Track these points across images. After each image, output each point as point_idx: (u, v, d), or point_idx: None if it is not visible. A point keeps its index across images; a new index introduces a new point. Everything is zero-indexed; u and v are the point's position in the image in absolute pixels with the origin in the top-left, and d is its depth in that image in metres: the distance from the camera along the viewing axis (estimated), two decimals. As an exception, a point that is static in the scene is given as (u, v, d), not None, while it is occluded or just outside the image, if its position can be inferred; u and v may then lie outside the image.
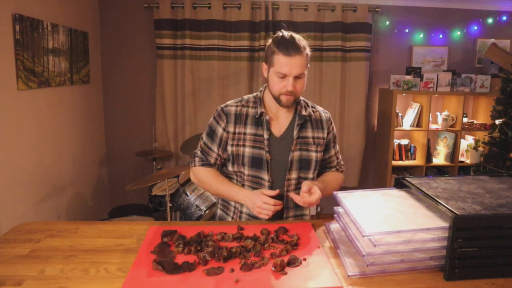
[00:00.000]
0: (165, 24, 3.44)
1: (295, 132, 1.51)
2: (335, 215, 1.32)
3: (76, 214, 3.09)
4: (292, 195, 1.40)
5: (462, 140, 3.72)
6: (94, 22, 3.44)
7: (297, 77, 1.42)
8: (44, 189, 2.61)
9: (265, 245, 1.20)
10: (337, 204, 1.32)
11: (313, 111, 1.59)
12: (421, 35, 3.76)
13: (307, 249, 1.19)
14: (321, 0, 3.55)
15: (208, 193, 2.77)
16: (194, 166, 1.59)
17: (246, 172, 1.49)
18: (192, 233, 1.26)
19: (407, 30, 3.75)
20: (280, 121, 1.53)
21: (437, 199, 1.15)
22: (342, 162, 1.71)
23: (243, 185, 1.52)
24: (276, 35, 1.47)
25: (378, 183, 3.84)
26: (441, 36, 3.78)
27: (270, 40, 1.49)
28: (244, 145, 1.49)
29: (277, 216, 1.48)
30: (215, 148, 1.54)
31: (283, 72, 1.40)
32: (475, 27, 3.79)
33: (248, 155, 1.48)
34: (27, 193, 2.42)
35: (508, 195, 1.20)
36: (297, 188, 1.51)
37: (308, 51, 1.45)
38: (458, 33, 3.78)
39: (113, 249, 1.20)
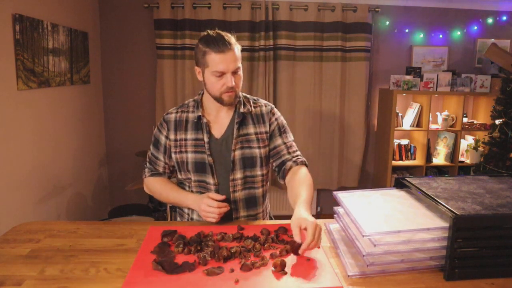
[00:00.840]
0: (165, 24, 3.44)
1: (235, 131, 1.48)
2: (335, 215, 1.33)
3: (76, 214, 3.09)
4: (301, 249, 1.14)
5: (462, 140, 3.72)
6: (94, 22, 3.44)
7: (234, 73, 1.41)
8: (44, 189, 2.61)
9: (265, 245, 1.20)
10: (337, 204, 1.32)
11: (254, 107, 1.55)
12: (421, 35, 3.76)
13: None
14: (321, 0, 3.55)
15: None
16: (145, 177, 1.61)
17: (193, 177, 1.49)
18: (192, 233, 1.26)
19: (407, 30, 3.75)
20: (221, 122, 1.50)
21: (437, 199, 1.15)
22: (298, 153, 1.54)
23: (192, 191, 1.52)
24: (202, 35, 1.44)
25: (378, 183, 3.84)
26: (441, 36, 3.78)
27: (196, 42, 1.44)
28: (186, 151, 1.48)
29: (226, 217, 1.45)
30: (161, 156, 1.55)
31: (220, 69, 1.38)
32: (475, 27, 3.79)
33: (191, 160, 1.47)
34: (27, 193, 2.42)
35: (508, 195, 1.20)
36: (245, 188, 1.49)
37: (238, 45, 1.44)
38: (458, 33, 3.78)
39: (113, 249, 1.20)
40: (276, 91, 3.64)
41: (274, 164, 1.55)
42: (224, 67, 1.38)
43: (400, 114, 3.70)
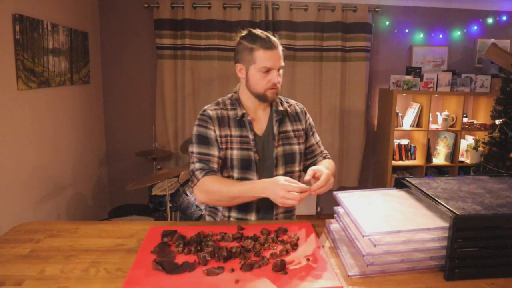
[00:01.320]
0: (165, 24, 3.44)
1: (275, 128, 1.52)
2: (335, 215, 1.32)
3: (76, 214, 3.09)
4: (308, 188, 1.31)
5: (462, 140, 3.72)
6: (94, 22, 3.44)
7: (278, 70, 1.45)
8: (44, 189, 2.61)
9: (265, 245, 1.20)
10: (337, 204, 1.32)
11: (288, 106, 1.61)
12: (421, 35, 3.76)
13: (307, 249, 1.19)
14: (321, 0, 3.55)
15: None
16: (198, 180, 1.44)
17: (235, 175, 1.48)
18: (192, 233, 1.26)
19: (407, 30, 3.75)
20: (260, 119, 1.54)
21: (437, 199, 1.15)
22: (326, 152, 1.71)
23: None
24: (243, 34, 1.47)
25: (378, 183, 3.84)
26: (441, 36, 3.78)
27: (238, 40, 1.48)
28: (231, 148, 1.47)
29: (266, 213, 1.51)
30: (214, 152, 1.47)
31: (268, 66, 1.42)
32: (475, 27, 3.79)
33: (237, 157, 1.47)
34: (27, 193, 2.42)
35: (508, 195, 1.20)
36: None
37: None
38: (458, 33, 3.78)
39: (113, 249, 1.20)
40: (276, 91, 3.64)
41: (307, 162, 1.65)
42: (271, 63, 1.42)
43: (400, 114, 3.70)
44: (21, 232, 1.32)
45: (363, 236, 1.05)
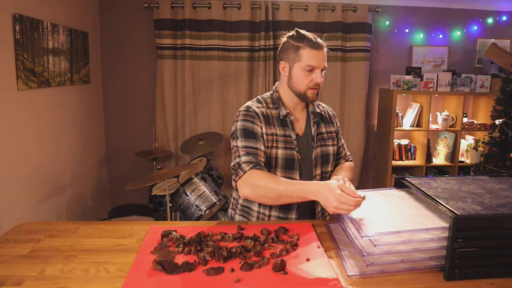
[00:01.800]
0: (165, 24, 3.44)
1: (313, 130, 1.55)
2: (335, 215, 1.32)
3: (76, 214, 3.09)
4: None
5: (462, 140, 3.72)
6: (94, 22, 3.44)
7: (321, 71, 1.47)
8: (44, 189, 2.61)
9: (265, 245, 1.20)
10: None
11: (322, 108, 1.65)
12: (421, 35, 3.76)
13: (307, 249, 1.19)
14: (321, 0, 3.55)
15: (208, 193, 2.77)
16: (244, 173, 1.38)
17: (278, 174, 1.47)
18: (192, 233, 1.26)
19: (407, 30, 3.75)
20: (299, 120, 1.56)
21: (437, 199, 1.14)
22: (348, 153, 1.76)
23: None
24: (290, 34, 1.50)
25: (378, 183, 3.85)
26: (441, 36, 3.78)
27: (284, 39, 1.51)
28: (277, 147, 1.47)
29: (307, 213, 1.53)
30: (261, 146, 1.44)
31: (313, 64, 1.44)
32: (475, 27, 3.79)
33: (282, 156, 1.47)
34: (27, 193, 2.42)
35: (508, 195, 1.20)
36: None
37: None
38: (458, 33, 3.78)
39: (113, 249, 1.20)
40: (276, 91, 3.64)
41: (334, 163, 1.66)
42: (317, 62, 1.44)
43: (400, 114, 3.70)
44: (21, 232, 1.32)
45: (362, 236, 1.05)
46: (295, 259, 1.13)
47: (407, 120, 3.75)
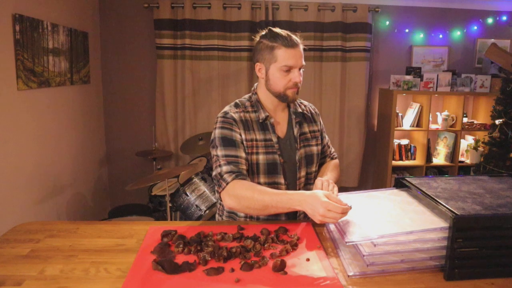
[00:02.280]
0: (165, 24, 3.44)
1: (296, 130, 1.51)
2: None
3: (76, 214, 3.09)
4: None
5: (462, 140, 3.72)
6: (94, 22, 3.44)
7: (299, 69, 1.43)
8: (44, 189, 2.61)
9: (265, 245, 1.20)
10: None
11: (304, 106, 1.60)
12: (421, 35, 3.76)
13: (307, 249, 1.19)
14: (321, 0, 3.55)
15: (208, 193, 2.77)
16: (227, 184, 1.35)
17: (262, 180, 1.45)
18: (192, 233, 1.26)
19: (407, 30, 3.75)
20: (280, 121, 1.52)
21: (437, 199, 1.14)
22: (333, 150, 1.73)
23: None
24: (263, 33, 1.46)
25: (378, 183, 3.84)
26: (441, 36, 3.78)
27: (258, 39, 1.47)
28: (257, 153, 1.44)
29: (294, 215, 1.51)
30: (241, 154, 1.41)
31: (290, 64, 1.39)
32: (475, 27, 3.79)
33: (263, 162, 1.44)
34: (27, 193, 2.42)
35: (508, 195, 1.20)
36: (305, 185, 1.53)
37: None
38: (458, 33, 3.78)
39: (113, 249, 1.20)
40: (276, 91, 3.64)
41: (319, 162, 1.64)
42: (293, 62, 1.40)
43: (400, 114, 3.70)
44: (21, 232, 1.32)
45: (346, 243, 1.07)
46: (295, 259, 1.12)
47: (407, 120, 3.75)
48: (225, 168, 1.38)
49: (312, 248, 1.20)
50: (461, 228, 1.02)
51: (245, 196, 1.31)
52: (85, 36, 3.19)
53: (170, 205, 2.66)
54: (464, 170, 3.75)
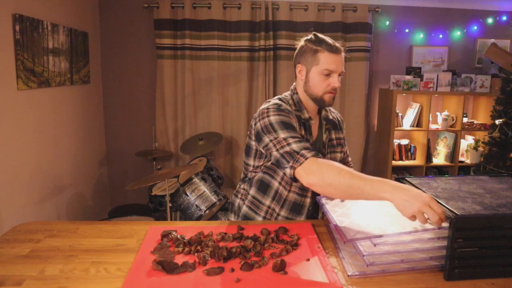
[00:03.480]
0: (165, 24, 3.44)
1: (325, 136, 1.55)
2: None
3: (76, 214, 3.09)
4: None
5: (462, 140, 3.72)
6: (94, 22, 3.44)
7: (339, 76, 1.46)
8: (44, 189, 2.61)
9: (265, 245, 1.20)
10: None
11: (333, 114, 1.65)
12: (421, 35, 3.76)
13: (307, 249, 1.19)
14: (321, 0, 3.55)
15: (208, 193, 2.77)
16: (306, 159, 1.25)
17: None
18: (192, 233, 1.26)
19: (407, 30, 3.75)
20: (312, 125, 1.55)
21: (437, 199, 1.14)
22: (350, 159, 1.77)
23: (288, 191, 1.49)
24: (308, 37, 1.49)
25: (378, 183, 3.84)
26: (441, 36, 3.78)
27: (301, 43, 1.50)
28: None
29: (315, 216, 1.55)
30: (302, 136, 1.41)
31: (331, 69, 1.43)
32: (475, 27, 3.79)
33: None
34: (27, 193, 2.42)
35: (508, 195, 1.20)
36: None
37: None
38: (458, 33, 3.78)
39: (113, 249, 1.20)
40: (276, 91, 3.64)
41: None
42: (334, 67, 1.43)
43: (400, 114, 3.70)
44: (21, 232, 1.32)
45: (344, 242, 1.07)
46: (295, 259, 1.13)
47: (407, 120, 3.75)
48: (298, 146, 1.29)
49: (312, 248, 1.20)
50: (461, 228, 1.02)
51: (329, 172, 1.19)
52: (85, 36, 3.19)
53: (170, 205, 2.66)
54: (464, 170, 3.75)
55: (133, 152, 3.54)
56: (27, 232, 1.32)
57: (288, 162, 1.29)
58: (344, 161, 1.68)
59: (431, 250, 1.07)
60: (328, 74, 1.44)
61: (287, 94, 1.56)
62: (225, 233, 1.26)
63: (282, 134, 1.34)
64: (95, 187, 3.49)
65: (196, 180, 2.81)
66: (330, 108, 1.65)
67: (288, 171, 1.29)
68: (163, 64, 3.51)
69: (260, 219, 1.53)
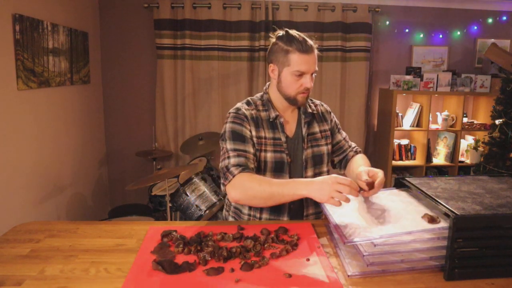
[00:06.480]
0: (165, 24, 3.44)
1: (304, 130, 1.52)
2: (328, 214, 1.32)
3: (76, 214, 3.09)
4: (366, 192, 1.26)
5: (462, 140, 3.72)
6: (94, 22, 3.44)
7: (311, 74, 1.44)
8: (44, 189, 2.61)
9: (265, 245, 1.20)
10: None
11: (314, 106, 1.61)
12: (421, 35, 3.76)
13: (307, 249, 1.19)
14: (321, 0, 3.55)
15: (208, 193, 2.77)
16: (234, 176, 1.34)
17: (268, 177, 1.45)
18: (192, 233, 1.26)
19: (407, 30, 3.75)
20: (289, 121, 1.54)
21: (437, 199, 1.14)
22: (354, 144, 1.69)
23: None
24: (280, 34, 1.45)
25: (378, 183, 3.84)
26: (441, 36, 3.78)
27: (274, 40, 1.46)
28: (265, 150, 1.46)
29: (297, 215, 1.51)
30: (250, 149, 1.42)
31: (302, 70, 1.40)
32: (475, 27, 3.79)
33: (270, 160, 1.46)
34: (27, 193, 2.42)
35: (508, 195, 1.20)
36: None
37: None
38: (458, 33, 3.78)
39: (113, 249, 1.20)
40: (276, 91, 3.64)
41: (336, 159, 1.65)
42: (306, 68, 1.40)
43: (400, 114, 3.70)
44: (21, 232, 1.32)
45: (344, 243, 1.06)
46: (295, 259, 1.12)
47: (407, 120, 3.75)
48: (232, 161, 1.38)
49: (312, 248, 1.20)
50: (461, 228, 1.02)
51: (251, 186, 1.30)
52: (85, 36, 3.19)
53: (170, 205, 2.66)
54: (464, 170, 3.75)
55: (133, 152, 3.54)
56: (27, 232, 1.32)
57: (221, 179, 1.40)
58: (342, 149, 1.64)
59: (431, 250, 1.07)
60: (300, 75, 1.41)
61: (258, 94, 1.58)
62: (225, 233, 1.26)
63: (228, 145, 1.42)
64: (95, 187, 3.49)
65: (196, 180, 2.81)
66: (314, 101, 1.63)
67: (222, 188, 1.40)
68: (163, 64, 3.51)
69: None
